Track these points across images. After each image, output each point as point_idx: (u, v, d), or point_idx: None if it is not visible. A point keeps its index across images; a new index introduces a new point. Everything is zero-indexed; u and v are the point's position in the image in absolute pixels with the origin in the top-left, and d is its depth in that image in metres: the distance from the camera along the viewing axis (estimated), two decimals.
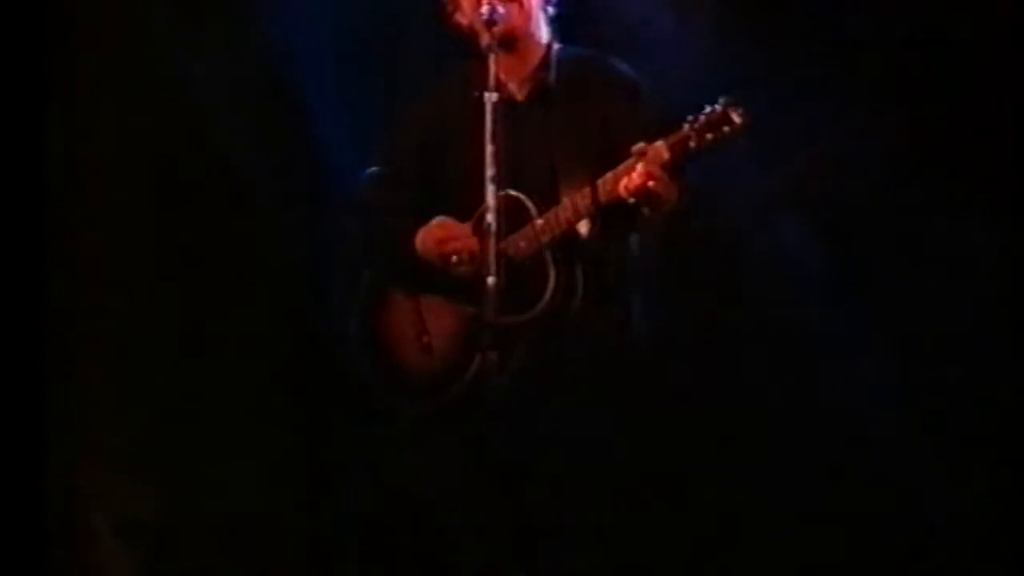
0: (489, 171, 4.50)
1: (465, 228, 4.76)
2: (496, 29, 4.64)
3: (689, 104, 4.60)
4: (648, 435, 4.82)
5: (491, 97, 4.55)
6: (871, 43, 5.42)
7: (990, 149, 5.35)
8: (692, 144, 4.56)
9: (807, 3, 5.43)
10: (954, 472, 5.31)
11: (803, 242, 5.49)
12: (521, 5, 4.80)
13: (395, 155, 4.98)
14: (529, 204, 4.72)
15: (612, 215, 4.70)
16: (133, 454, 5.67)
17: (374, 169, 4.98)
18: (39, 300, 5.56)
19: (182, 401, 5.71)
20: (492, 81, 4.56)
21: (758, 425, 5.46)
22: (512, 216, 4.65)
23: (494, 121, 4.52)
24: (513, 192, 4.67)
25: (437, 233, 4.79)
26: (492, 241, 4.49)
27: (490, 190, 4.51)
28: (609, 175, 4.64)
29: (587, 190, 4.67)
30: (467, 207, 4.75)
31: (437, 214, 4.85)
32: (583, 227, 4.73)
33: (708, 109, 4.56)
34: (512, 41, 4.80)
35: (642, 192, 4.56)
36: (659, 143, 4.59)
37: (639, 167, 4.57)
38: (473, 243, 4.70)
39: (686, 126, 4.57)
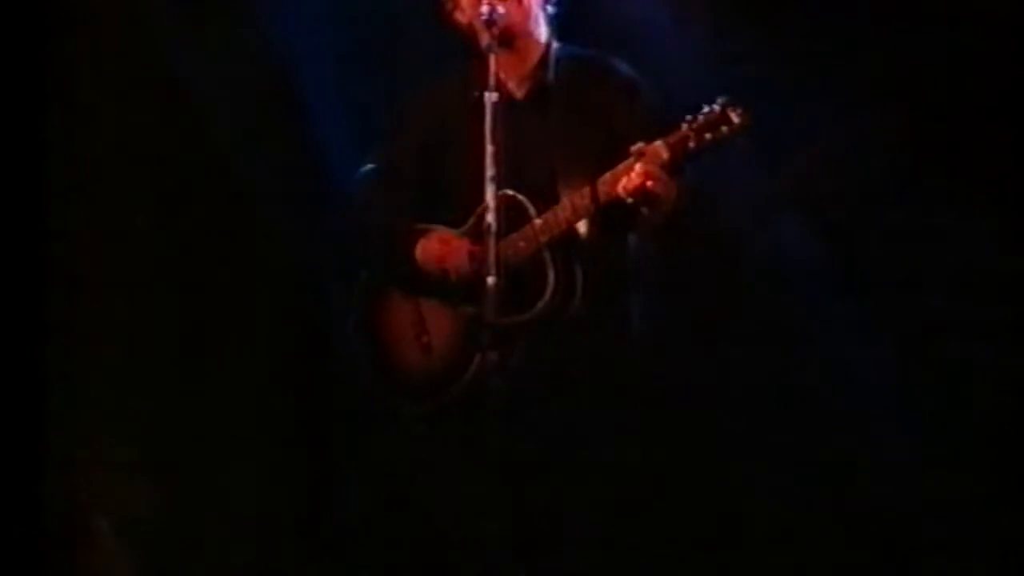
0: (489, 171, 4.50)
1: (464, 242, 4.75)
2: (495, 28, 4.64)
3: (688, 104, 4.61)
4: (648, 435, 4.82)
5: (491, 97, 4.55)
6: (871, 43, 5.41)
7: (990, 149, 5.35)
8: (691, 144, 4.56)
9: (807, 3, 5.43)
10: (954, 471, 5.31)
11: (803, 242, 5.49)
12: (520, 3, 4.79)
13: (395, 155, 4.97)
14: (528, 204, 4.71)
15: (611, 215, 4.70)
16: (133, 454, 5.67)
17: (370, 166, 4.98)
18: (39, 300, 5.56)
19: (182, 401, 5.72)
20: (492, 81, 4.56)
21: (758, 424, 5.46)
22: (511, 216, 4.64)
23: (494, 121, 4.52)
24: (512, 192, 4.67)
25: (436, 250, 4.79)
26: (492, 241, 4.49)
27: (490, 190, 4.50)
28: (608, 175, 4.64)
29: (586, 190, 4.67)
30: (467, 207, 4.75)
31: (437, 214, 4.85)
32: (582, 227, 4.72)
33: (707, 109, 4.56)
34: (511, 39, 4.79)
35: (641, 192, 4.56)
36: (658, 143, 4.59)
37: (638, 167, 4.57)
38: (472, 258, 4.70)
39: (685, 126, 4.57)
